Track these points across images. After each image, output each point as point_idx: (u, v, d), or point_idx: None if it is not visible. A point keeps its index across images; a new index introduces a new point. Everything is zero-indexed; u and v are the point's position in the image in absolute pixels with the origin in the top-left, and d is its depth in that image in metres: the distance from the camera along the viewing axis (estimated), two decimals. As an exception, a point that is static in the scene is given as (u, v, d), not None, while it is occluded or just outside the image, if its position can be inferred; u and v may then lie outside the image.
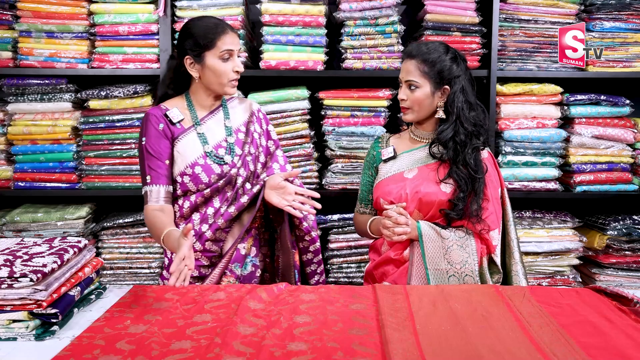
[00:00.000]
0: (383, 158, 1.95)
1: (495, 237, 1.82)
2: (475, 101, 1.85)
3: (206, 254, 1.83)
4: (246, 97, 2.57)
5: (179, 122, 1.82)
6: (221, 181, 1.81)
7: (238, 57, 1.85)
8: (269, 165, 1.96)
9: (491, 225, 1.80)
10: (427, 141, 1.91)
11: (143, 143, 1.79)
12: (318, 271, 1.98)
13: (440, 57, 1.83)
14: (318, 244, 1.96)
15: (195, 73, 1.82)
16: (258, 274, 1.87)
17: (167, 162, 1.79)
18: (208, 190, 1.81)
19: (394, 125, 2.66)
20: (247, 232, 1.85)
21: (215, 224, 1.80)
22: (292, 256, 1.87)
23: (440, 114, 1.84)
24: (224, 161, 1.82)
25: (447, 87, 1.83)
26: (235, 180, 1.84)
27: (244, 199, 1.81)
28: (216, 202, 1.83)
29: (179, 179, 1.80)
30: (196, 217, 1.82)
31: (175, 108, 1.84)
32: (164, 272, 1.91)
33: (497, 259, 1.82)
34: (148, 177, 1.78)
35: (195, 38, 1.79)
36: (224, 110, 1.93)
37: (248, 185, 1.87)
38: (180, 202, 1.82)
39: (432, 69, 1.82)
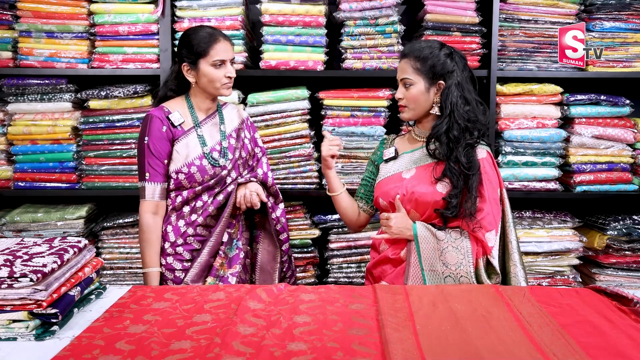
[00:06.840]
0: (384, 158, 1.98)
1: (491, 238, 1.78)
2: (473, 97, 1.84)
3: (188, 248, 1.99)
4: (246, 97, 2.58)
5: (179, 124, 1.98)
6: (212, 181, 2.00)
7: (233, 63, 2.03)
8: (254, 170, 2.14)
9: (487, 226, 1.77)
10: (425, 140, 1.90)
11: (145, 142, 1.95)
12: (284, 269, 2.18)
13: (433, 53, 1.83)
14: (288, 244, 2.16)
15: (192, 79, 2.00)
16: (242, 256, 2.05)
17: (165, 161, 1.97)
18: (199, 187, 1.99)
19: (394, 125, 2.65)
20: (234, 218, 2.05)
21: (206, 211, 2.00)
22: (277, 252, 2.11)
23: (435, 109, 1.85)
24: (218, 164, 2.00)
25: (441, 82, 1.83)
26: (225, 180, 2.03)
27: (230, 188, 2.02)
28: (205, 197, 2.02)
29: (174, 175, 1.97)
30: (186, 209, 2.01)
31: (177, 111, 2.00)
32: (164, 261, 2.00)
33: (494, 261, 1.78)
34: (147, 174, 1.95)
35: (191, 47, 1.96)
36: (220, 115, 2.10)
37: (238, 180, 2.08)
38: (172, 195, 2.00)
39: (424, 64, 1.83)
